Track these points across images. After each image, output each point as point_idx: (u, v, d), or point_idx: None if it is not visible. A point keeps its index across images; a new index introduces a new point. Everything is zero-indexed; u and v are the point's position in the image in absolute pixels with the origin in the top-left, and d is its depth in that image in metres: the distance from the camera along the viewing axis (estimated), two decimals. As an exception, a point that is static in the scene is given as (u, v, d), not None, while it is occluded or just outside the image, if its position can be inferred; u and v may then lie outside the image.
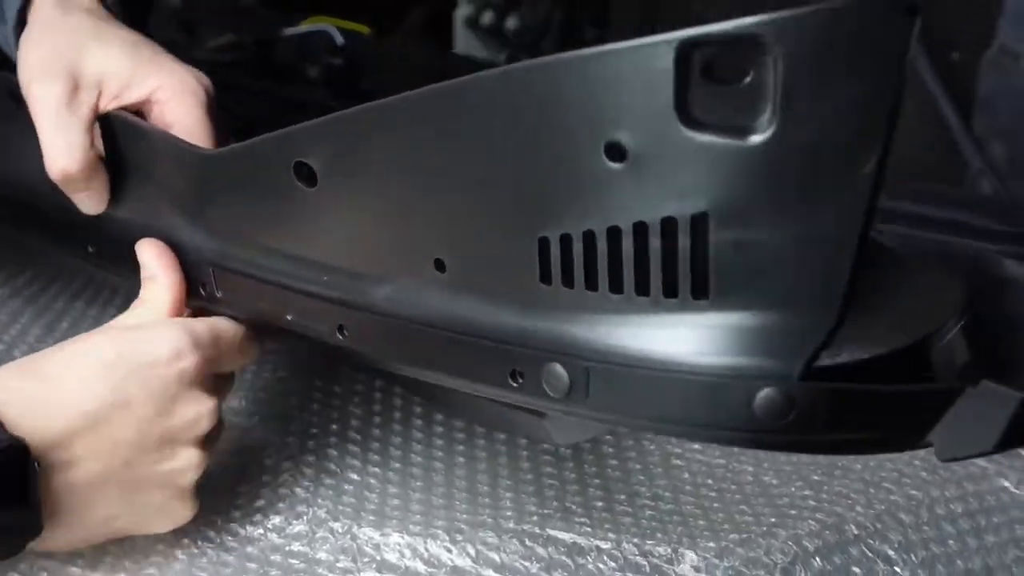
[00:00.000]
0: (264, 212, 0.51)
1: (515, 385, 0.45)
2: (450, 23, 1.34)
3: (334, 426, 0.63)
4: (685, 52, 0.36)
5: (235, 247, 0.53)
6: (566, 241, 0.42)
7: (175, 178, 0.55)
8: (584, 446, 0.62)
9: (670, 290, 0.40)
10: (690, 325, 0.41)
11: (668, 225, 0.39)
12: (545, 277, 0.43)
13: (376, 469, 0.59)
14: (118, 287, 0.78)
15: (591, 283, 0.42)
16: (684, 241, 0.39)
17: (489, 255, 0.44)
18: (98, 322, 0.72)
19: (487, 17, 1.31)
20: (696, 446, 0.62)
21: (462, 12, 1.34)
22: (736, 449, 0.62)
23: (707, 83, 0.37)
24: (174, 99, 0.56)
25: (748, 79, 0.36)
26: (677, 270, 0.40)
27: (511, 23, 1.30)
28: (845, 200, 0.38)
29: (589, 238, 0.41)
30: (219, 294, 0.54)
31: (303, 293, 0.51)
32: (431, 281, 0.46)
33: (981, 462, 0.61)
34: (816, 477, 0.59)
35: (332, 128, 0.46)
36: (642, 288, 0.41)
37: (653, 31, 0.39)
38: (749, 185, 0.38)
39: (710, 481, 0.59)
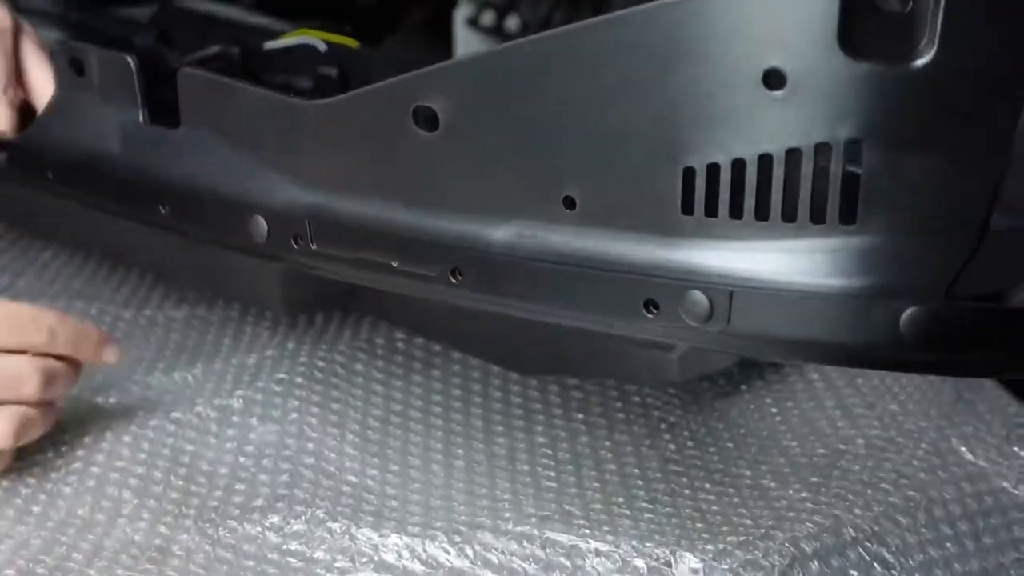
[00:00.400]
0: (374, 159, 0.51)
1: (650, 316, 0.45)
2: (450, 23, 1.34)
3: (332, 428, 0.63)
4: None
5: (337, 196, 0.53)
6: (713, 170, 0.42)
7: (265, 132, 0.55)
8: (582, 449, 0.62)
9: (817, 216, 0.41)
10: (836, 248, 0.42)
11: (821, 150, 0.40)
12: (687, 207, 0.43)
13: (375, 471, 0.59)
14: (119, 286, 0.78)
15: (736, 211, 0.42)
16: (836, 166, 0.40)
17: (626, 190, 0.45)
18: (98, 322, 0.73)
19: (487, 17, 1.31)
20: (693, 448, 0.62)
21: (462, 12, 1.34)
22: (735, 451, 0.62)
23: (870, 11, 0.38)
24: None
25: (909, 6, 0.38)
26: (827, 195, 0.41)
27: (511, 23, 1.30)
28: (995, 125, 0.39)
29: (738, 166, 0.42)
30: (314, 246, 0.54)
31: (413, 238, 0.50)
32: (558, 218, 0.46)
33: (980, 461, 0.61)
34: (814, 479, 0.59)
35: (460, 71, 0.47)
36: (789, 214, 0.42)
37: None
38: (906, 110, 0.39)
39: (708, 484, 0.59)
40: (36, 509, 0.56)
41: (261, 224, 0.55)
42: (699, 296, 0.43)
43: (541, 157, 0.46)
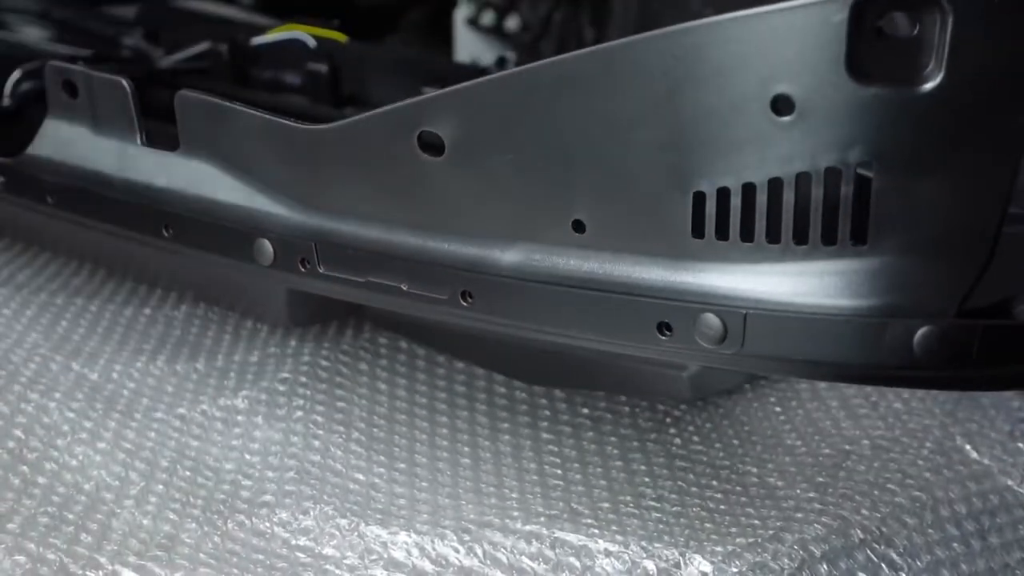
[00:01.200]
0: (380, 184, 0.51)
1: (664, 338, 0.45)
2: (450, 23, 1.34)
3: (338, 427, 0.63)
4: (859, 9, 0.38)
5: (342, 220, 0.53)
6: (723, 195, 0.42)
7: (267, 156, 0.55)
8: (588, 446, 0.62)
9: (829, 237, 0.42)
10: (848, 270, 0.42)
11: (831, 174, 0.40)
12: (698, 231, 0.43)
13: (381, 469, 0.59)
14: (119, 284, 0.78)
15: (747, 234, 0.43)
16: (846, 189, 0.41)
17: (635, 214, 0.45)
18: (98, 318, 0.73)
19: (487, 17, 1.31)
20: (699, 444, 0.62)
21: (462, 12, 1.34)
22: (740, 450, 0.62)
23: (877, 36, 0.38)
24: None
25: (915, 31, 0.38)
26: (838, 218, 0.41)
27: (511, 23, 1.30)
28: (1002, 146, 0.40)
29: (748, 190, 0.42)
30: (322, 268, 0.54)
31: (421, 261, 0.50)
32: (567, 242, 0.47)
33: (985, 460, 0.61)
34: (821, 479, 0.59)
35: (466, 97, 0.47)
36: (800, 237, 0.42)
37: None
38: (914, 133, 0.40)
39: (715, 483, 0.59)
40: (41, 480, 0.56)
41: (267, 247, 0.55)
42: (713, 319, 0.44)
43: (547, 182, 0.46)
